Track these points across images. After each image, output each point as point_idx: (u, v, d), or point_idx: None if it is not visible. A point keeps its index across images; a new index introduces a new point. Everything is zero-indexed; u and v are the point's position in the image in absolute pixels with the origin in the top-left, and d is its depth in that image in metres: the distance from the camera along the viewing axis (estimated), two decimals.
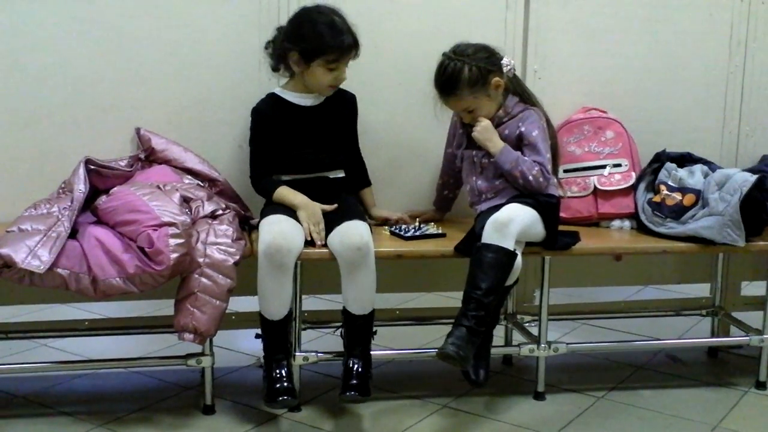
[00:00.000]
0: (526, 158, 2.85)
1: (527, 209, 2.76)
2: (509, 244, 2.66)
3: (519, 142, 2.90)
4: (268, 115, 2.89)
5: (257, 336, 2.80)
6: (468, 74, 2.83)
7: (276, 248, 2.64)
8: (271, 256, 2.64)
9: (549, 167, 2.87)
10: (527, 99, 2.96)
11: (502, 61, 2.89)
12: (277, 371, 2.73)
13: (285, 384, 2.71)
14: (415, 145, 3.21)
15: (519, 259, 2.72)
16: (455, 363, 2.58)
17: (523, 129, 2.89)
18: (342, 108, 2.97)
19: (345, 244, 2.68)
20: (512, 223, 2.68)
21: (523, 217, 2.73)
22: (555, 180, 2.96)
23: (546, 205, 2.81)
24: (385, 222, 3.04)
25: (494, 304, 2.72)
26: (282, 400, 2.70)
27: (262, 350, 2.78)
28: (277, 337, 2.75)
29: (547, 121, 2.96)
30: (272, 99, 2.92)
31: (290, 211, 2.81)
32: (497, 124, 2.92)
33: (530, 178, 2.83)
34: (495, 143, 2.88)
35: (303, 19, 2.82)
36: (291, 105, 2.90)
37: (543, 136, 2.89)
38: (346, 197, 2.95)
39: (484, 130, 2.89)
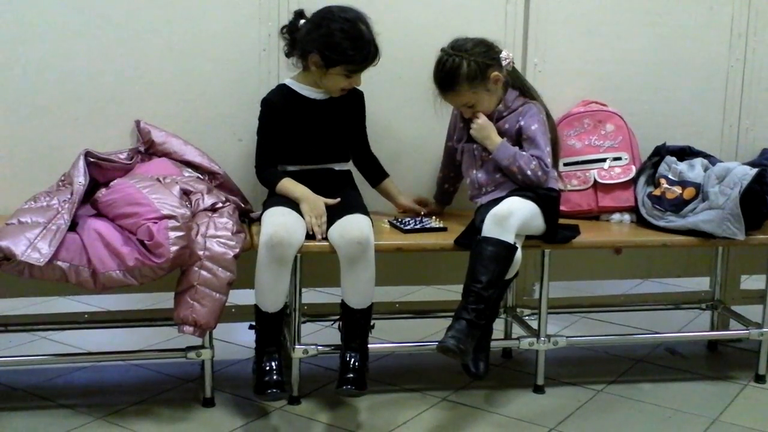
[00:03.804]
0: (523, 153, 2.85)
1: (527, 202, 2.76)
2: (509, 238, 2.66)
3: (519, 136, 2.90)
4: (279, 106, 2.88)
5: (251, 327, 2.81)
6: (467, 69, 2.83)
7: (277, 241, 2.64)
8: (272, 248, 2.64)
9: (548, 161, 2.87)
10: (527, 92, 2.95)
11: (500, 55, 2.88)
12: (268, 364, 2.73)
13: (275, 377, 2.70)
14: (415, 139, 3.21)
15: (519, 252, 2.72)
16: (455, 356, 2.58)
17: (522, 123, 2.89)
18: (351, 104, 2.97)
19: (345, 238, 2.68)
20: (512, 217, 2.68)
21: (523, 210, 2.73)
22: (555, 173, 2.96)
23: (546, 198, 2.81)
24: (410, 211, 3.06)
25: (494, 298, 2.72)
26: (271, 393, 2.69)
27: (254, 341, 2.78)
28: (271, 329, 2.76)
29: (547, 114, 2.95)
30: (283, 90, 2.92)
31: (293, 204, 2.81)
32: (497, 118, 2.92)
33: (528, 172, 2.82)
34: (493, 139, 2.88)
35: (331, 25, 2.77)
36: (302, 97, 2.90)
37: (542, 129, 2.89)
38: (350, 191, 2.95)
39: (481, 127, 2.89)
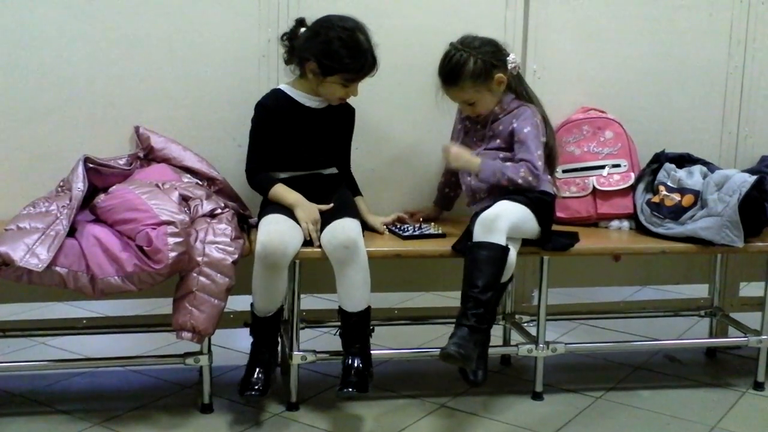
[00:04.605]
0: (508, 164, 2.86)
1: (516, 205, 2.76)
2: (500, 240, 2.66)
3: (511, 138, 2.91)
4: (273, 110, 2.89)
5: (246, 324, 2.82)
6: (473, 66, 2.84)
7: (272, 249, 2.64)
8: (266, 256, 2.65)
9: (538, 164, 2.85)
10: (523, 96, 2.96)
11: (507, 58, 2.90)
12: (258, 365, 2.75)
13: (258, 384, 2.73)
14: (415, 144, 3.21)
15: (513, 255, 2.72)
16: (457, 362, 2.58)
17: (515, 125, 2.90)
18: (342, 117, 2.99)
19: (333, 243, 2.70)
20: (499, 219, 2.68)
21: (512, 212, 2.73)
22: (548, 177, 2.95)
23: (538, 201, 2.82)
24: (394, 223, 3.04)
25: (493, 301, 2.72)
26: (249, 395, 2.73)
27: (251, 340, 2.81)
28: (265, 332, 2.78)
29: (544, 119, 2.95)
30: (279, 95, 2.92)
31: (289, 211, 2.81)
32: (492, 120, 2.94)
33: (519, 180, 2.83)
34: (473, 163, 2.88)
35: (329, 33, 2.78)
36: (296, 104, 2.90)
37: (535, 132, 2.88)
38: (341, 193, 2.95)
39: (456, 158, 2.88)
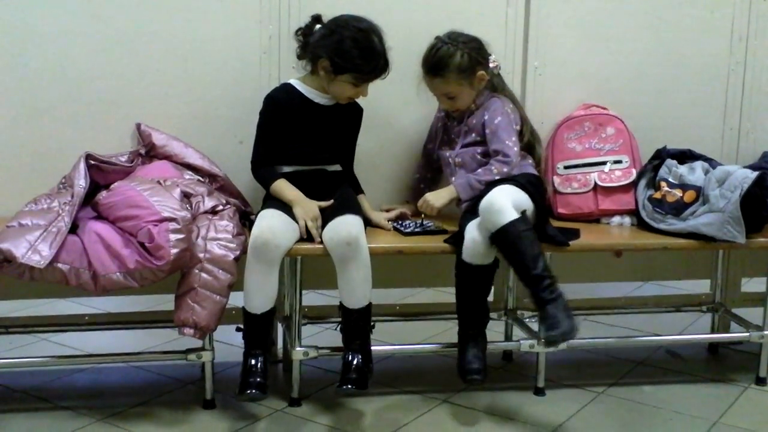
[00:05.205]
0: (478, 170, 2.91)
1: (506, 186, 2.80)
2: (512, 215, 2.66)
3: (484, 131, 2.95)
4: (282, 104, 2.90)
5: (238, 329, 2.80)
6: (459, 60, 2.90)
7: (263, 242, 2.65)
8: (257, 249, 2.65)
9: (512, 150, 2.90)
10: (497, 91, 3.01)
11: (490, 58, 2.96)
12: (253, 364, 2.72)
13: (258, 379, 2.70)
14: (414, 140, 3.22)
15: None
16: (572, 334, 2.59)
17: (486, 117, 2.96)
18: (350, 116, 3.00)
19: (335, 240, 2.70)
20: (497, 199, 2.69)
21: (503, 189, 2.76)
22: (530, 159, 3.01)
23: (524, 181, 2.84)
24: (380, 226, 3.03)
25: (547, 265, 2.70)
26: (250, 393, 2.68)
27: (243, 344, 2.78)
28: (257, 331, 2.75)
29: (518, 108, 3.00)
30: (288, 89, 2.93)
31: (288, 207, 2.81)
32: (468, 115, 2.99)
33: (495, 177, 2.87)
34: (448, 193, 2.93)
35: (343, 33, 2.80)
36: (305, 99, 2.91)
37: (506, 121, 2.93)
38: (344, 190, 2.95)
39: (434, 199, 2.92)
